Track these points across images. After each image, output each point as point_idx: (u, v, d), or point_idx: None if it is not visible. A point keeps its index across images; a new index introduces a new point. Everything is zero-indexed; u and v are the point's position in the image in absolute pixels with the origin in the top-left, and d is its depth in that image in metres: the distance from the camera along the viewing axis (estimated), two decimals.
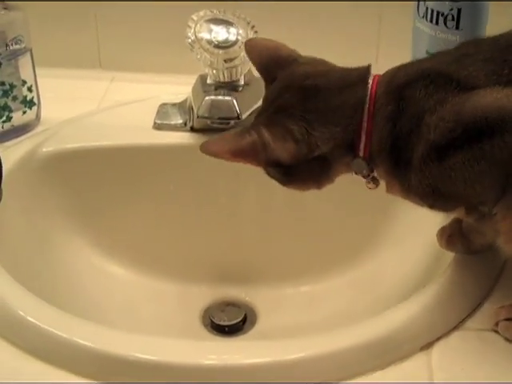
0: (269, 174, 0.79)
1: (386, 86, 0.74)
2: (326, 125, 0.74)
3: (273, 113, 0.76)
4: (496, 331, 0.76)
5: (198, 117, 0.99)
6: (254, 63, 0.83)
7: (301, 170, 0.77)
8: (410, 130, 0.71)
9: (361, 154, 0.75)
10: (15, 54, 1.02)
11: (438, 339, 0.75)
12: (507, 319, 0.75)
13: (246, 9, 1.00)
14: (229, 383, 0.72)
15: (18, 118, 1.05)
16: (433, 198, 0.74)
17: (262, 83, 1.01)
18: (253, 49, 0.83)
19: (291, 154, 0.74)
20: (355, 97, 0.74)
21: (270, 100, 0.78)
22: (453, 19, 0.94)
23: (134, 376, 0.72)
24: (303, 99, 0.75)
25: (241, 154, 0.75)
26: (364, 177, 0.77)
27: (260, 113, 0.79)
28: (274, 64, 0.80)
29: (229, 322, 1.02)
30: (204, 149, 0.77)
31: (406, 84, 0.73)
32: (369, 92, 0.74)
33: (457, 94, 0.70)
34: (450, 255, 0.82)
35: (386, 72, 0.76)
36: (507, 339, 0.75)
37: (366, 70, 0.76)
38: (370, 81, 0.75)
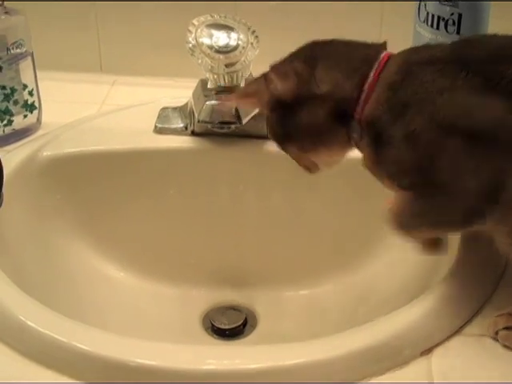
0: (271, 126, 0.83)
1: (398, 59, 0.76)
2: (330, 70, 0.77)
3: (283, 59, 0.81)
4: (496, 339, 0.76)
5: (198, 121, 0.99)
6: None
7: (300, 124, 0.79)
8: (406, 105, 0.72)
9: (356, 116, 0.76)
10: (16, 58, 1.02)
11: (438, 345, 0.75)
12: (506, 328, 0.75)
13: (246, 14, 1.00)
14: None
15: (19, 121, 1.05)
16: (408, 178, 0.74)
17: None
18: None
19: (291, 88, 0.78)
20: (366, 54, 0.77)
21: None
22: (453, 24, 0.94)
23: (134, 381, 0.72)
24: (315, 48, 0.80)
25: (246, 95, 0.83)
26: (356, 144, 0.79)
27: None
28: None
29: (229, 325, 1.02)
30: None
31: (418, 63, 0.74)
32: (381, 56, 0.77)
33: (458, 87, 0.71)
34: (449, 260, 0.82)
35: (402, 50, 0.78)
36: (507, 347, 0.75)
37: (383, 45, 0.79)
38: (384, 53, 0.77)
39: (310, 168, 0.86)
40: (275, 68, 0.81)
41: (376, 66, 0.76)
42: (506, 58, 0.72)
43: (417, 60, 0.75)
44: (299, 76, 0.78)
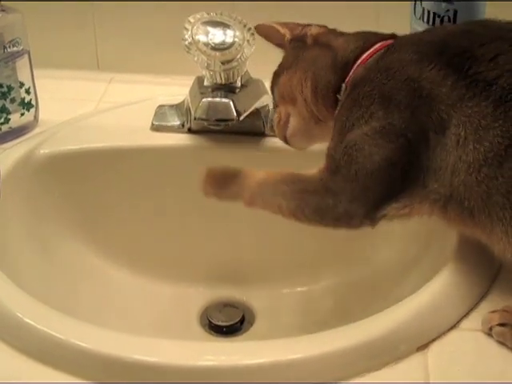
0: (285, 56, 0.92)
1: (396, 41, 0.84)
2: (351, 36, 0.88)
3: None
4: (490, 335, 0.76)
5: (195, 118, 0.99)
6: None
7: (308, 56, 0.89)
8: (381, 73, 0.79)
9: (347, 79, 0.84)
10: (13, 57, 1.02)
11: (434, 340, 0.75)
12: (500, 324, 0.75)
13: (242, 11, 1.01)
14: None
15: (15, 119, 1.05)
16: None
17: (259, 84, 1.02)
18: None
19: (320, 32, 0.90)
20: (379, 34, 0.87)
21: None
22: (449, 20, 0.94)
23: (132, 377, 0.72)
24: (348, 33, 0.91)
25: (286, 25, 0.93)
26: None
27: None
28: None
29: (227, 322, 1.02)
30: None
31: (404, 43, 0.82)
32: (386, 39, 0.85)
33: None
34: (446, 256, 0.83)
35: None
36: (502, 343, 0.75)
37: (395, 36, 0.87)
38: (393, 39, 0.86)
39: (279, 119, 0.91)
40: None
41: (380, 43, 0.84)
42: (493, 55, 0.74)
43: (409, 39, 0.84)
44: (329, 30, 0.90)
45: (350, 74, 0.84)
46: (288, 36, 0.92)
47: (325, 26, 0.92)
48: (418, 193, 0.76)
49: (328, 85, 0.86)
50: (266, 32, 0.94)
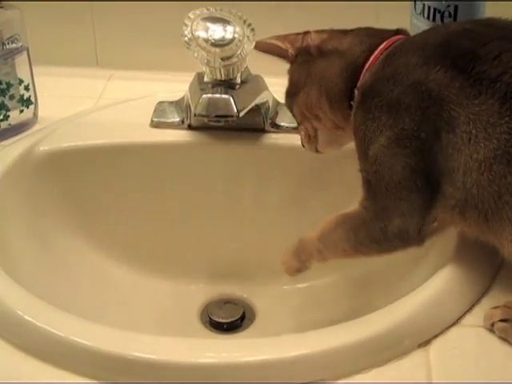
0: (290, 74, 0.91)
1: (400, 42, 0.84)
2: (356, 37, 0.87)
3: None
4: (492, 331, 0.76)
5: (195, 115, 0.99)
6: None
7: (316, 70, 0.88)
8: (388, 80, 0.79)
9: (358, 84, 0.83)
10: (12, 53, 1.02)
11: (437, 336, 0.75)
12: (502, 320, 0.75)
13: (242, 7, 1.00)
14: (228, 381, 0.72)
15: (15, 116, 1.05)
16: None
17: (259, 81, 1.02)
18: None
19: (323, 38, 0.88)
20: (384, 32, 0.86)
21: None
22: (449, 16, 0.94)
23: (132, 375, 0.72)
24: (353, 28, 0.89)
25: (285, 39, 0.91)
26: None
27: None
28: None
29: (227, 319, 1.02)
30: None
31: (409, 46, 0.81)
32: (396, 36, 0.85)
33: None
34: (448, 251, 0.82)
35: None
36: (504, 338, 0.75)
37: (401, 30, 0.87)
38: (399, 36, 0.85)
39: (308, 136, 0.91)
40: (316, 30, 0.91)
41: (385, 42, 0.83)
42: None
43: (414, 42, 0.82)
44: (332, 34, 0.89)
45: (360, 79, 0.84)
46: (291, 51, 0.90)
47: (325, 31, 0.90)
48: (438, 200, 0.76)
49: (341, 94, 0.86)
50: (266, 48, 0.93)
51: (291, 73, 0.91)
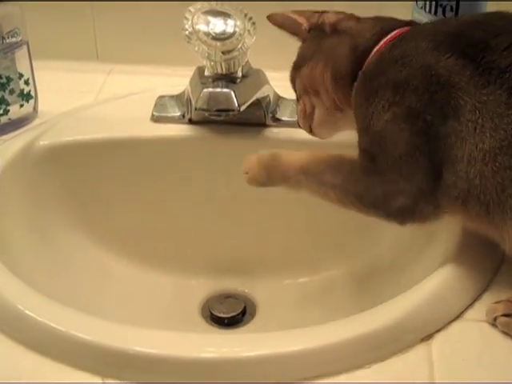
0: (301, 47, 0.91)
1: (411, 29, 0.83)
2: (369, 22, 0.87)
3: None
4: (495, 325, 0.76)
5: (196, 109, 0.99)
6: None
7: (326, 46, 0.87)
8: (396, 61, 0.79)
9: (364, 67, 0.83)
10: (11, 47, 1.02)
11: (439, 330, 0.75)
12: (505, 315, 0.75)
13: (243, 0, 1.00)
14: (229, 376, 0.71)
15: (15, 111, 1.05)
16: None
17: (260, 75, 1.01)
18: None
19: (338, 19, 0.88)
20: (397, 21, 0.86)
21: None
22: (451, 10, 0.94)
23: (133, 369, 0.72)
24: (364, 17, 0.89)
25: (301, 14, 0.91)
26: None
27: None
28: None
29: (228, 314, 1.02)
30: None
31: (419, 32, 0.81)
32: (403, 26, 0.85)
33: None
34: (449, 246, 0.82)
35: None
36: (506, 333, 0.75)
37: (412, 22, 0.87)
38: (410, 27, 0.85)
39: (305, 112, 0.90)
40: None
41: (397, 30, 0.83)
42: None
43: (425, 28, 0.83)
44: (347, 16, 0.88)
45: (367, 61, 0.84)
46: (305, 25, 0.90)
47: (342, 12, 0.90)
48: (441, 188, 0.76)
49: (347, 74, 0.85)
50: (280, 21, 0.92)
51: (301, 45, 0.91)
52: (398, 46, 0.80)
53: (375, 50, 0.83)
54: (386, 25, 0.85)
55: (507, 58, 0.73)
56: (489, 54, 0.74)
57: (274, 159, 0.86)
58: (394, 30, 0.84)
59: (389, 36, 0.83)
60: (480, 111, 0.72)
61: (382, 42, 0.83)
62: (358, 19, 0.88)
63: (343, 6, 1.07)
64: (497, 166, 0.72)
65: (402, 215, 0.78)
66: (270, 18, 0.93)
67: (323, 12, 0.90)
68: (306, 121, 0.91)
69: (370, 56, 0.83)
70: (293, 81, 0.92)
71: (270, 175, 0.86)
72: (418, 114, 0.75)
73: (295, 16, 0.91)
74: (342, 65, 0.85)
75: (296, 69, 0.91)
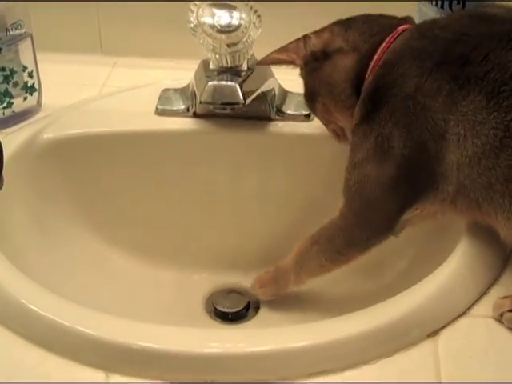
0: (304, 82, 0.91)
1: (401, 46, 0.83)
2: (359, 32, 0.86)
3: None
4: (501, 321, 0.75)
5: (200, 102, 0.98)
6: None
7: (325, 75, 0.88)
8: (386, 91, 0.80)
9: (366, 83, 0.84)
10: (15, 40, 1.01)
11: (445, 326, 0.75)
12: (511, 310, 0.75)
13: None
14: (232, 371, 0.71)
15: (18, 104, 1.04)
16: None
17: (266, 68, 1.01)
18: None
19: (324, 40, 0.88)
20: (388, 24, 0.86)
21: None
22: (458, 2, 0.94)
23: (137, 364, 0.71)
24: (351, 17, 0.89)
25: (286, 50, 0.90)
26: None
27: None
28: None
29: (232, 309, 1.01)
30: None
31: (408, 55, 0.81)
32: (399, 28, 0.84)
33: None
34: (455, 242, 0.82)
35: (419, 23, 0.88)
36: None
37: (405, 19, 0.87)
38: (401, 27, 0.85)
39: (338, 135, 0.92)
40: (314, 32, 0.90)
41: (387, 39, 0.83)
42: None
43: (413, 48, 0.81)
44: (332, 32, 0.88)
45: (365, 81, 0.84)
46: (299, 62, 0.90)
47: (322, 31, 0.89)
48: (429, 196, 0.79)
49: (350, 98, 0.86)
50: (270, 63, 0.94)
51: (304, 79, 0.92)
52: (390, 72, 0.81)
53: (370, 68, 0.84)
54: (376, 32, 0.85)
55: (484, 66, 0.74)
56: (467, 67, 0.75)
57: (276, 269, 0.91)
58: (386, 37, 0.84)
59: (379, 52, 0.84)
60: (462, 123, 0.75)
61: (375, 58, 0.84)
62: (342, 31, 0.87)
63: (343, 5, 1.08)
64: (481, 169, 0.74)
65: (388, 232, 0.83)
66: (259, 63, 0.95)
67: (305, 39, 0.89)
68: (343, 141, 0.92)
69: (367, 75, 0.84)
70: (312, 112, 0.95)
71: (278, 284, 0.92)
72: (397, 153, 0.78)
73: (283, 56, 0.91)
74: (343, 92, 0.87)
75: (309, 102, 0.92)
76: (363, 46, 0.85)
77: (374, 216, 0.82)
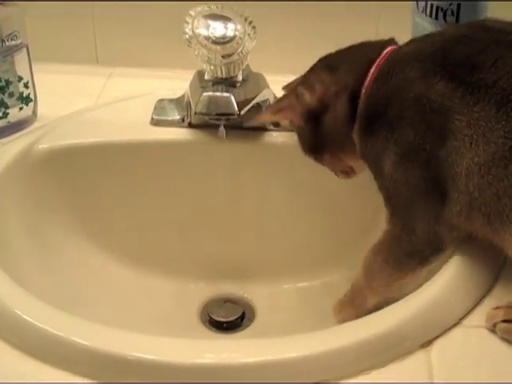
0: (305, 137, 0.89)
1: (392, 56, 0.83)
2: (345, 71, 0.85)
3: (307, 72, 0.89)
4: (494, 331, 0.75)
5: (195, 113, 0.98)
6: None
7: (327, 128, 0.86)
8: (388, 98, 0.80)
9: (359, 111, 0.83)
10: (11, 50, 1.01)
11: (438, 336, 0.75)
12: (504, 321, 0.75)
13: (243, 4, 0.99)
14: (227, 382, 0.71)
15: (14, 114, 1.04)
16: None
17: (260, 79, 1.01)
18: None
19: (319, 96, 0.85)
20: (371, 52, 0.84)
21: None
22: (452, 14, 0.94)
23: (132, 375, 0.71)
24: (332, 55, 0.88)
25: (280, 110, 0.89)
26: None
27: None
28: None
29: (227, 318, 1.01)
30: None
31: (404, 59, 0.81)
32: (383, 53, 0.83)
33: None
34: (449, 253, 0.82)
35: (405, 42, 0.86)
36: (506, 339, 0.75)
37: (388, 41, 0.86)
38: (388, 49, 0.84)
39: (348, 173, 0.92)
40: (302, 82, 0.88)
41: (375, 64, 0.83)
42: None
43: (407, 53, 0.82)
44: (323, 83, 0.86)
45: (359, 106, 0.84)
46: (297, 120, 0.89)
47: (311, 82, 0.87)
48: (447, 206, 0.77)
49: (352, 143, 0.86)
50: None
51: (305, 136, 0.90)
52: (385, 83, 0.81)
53: (362, 95, 0.83)
54: (361, 66, 0.84)
55: (494, 74, 0.74)
56: (477, 72, 0.75)
57: (351, 289, 0.88)
58: (372, 63, 0.83)
59: (368, 80, 0.83)
60: (474, 127, 0.74)
61: (365, 85, 0.83)
62: (327, 75, 0.86)
63: (344, 6, 1.09)
64: (491, 178, 0.73)
65: (438, 240, 0.79)
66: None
67: (296, 96, 0.87)
68: (351, 175, 0.92)
69: (360, 100, 0.83)
70: (317, 162, 0.92)
71: (356, 304, 0.87)
72: (417, 148, 0.77)
73: (280, 118, 0.92)
74: (347, 138, 0.85)
75: (311, 154, 0.91)
76: (354, 82, 0.84)
77: (416, 224, 0.79)
